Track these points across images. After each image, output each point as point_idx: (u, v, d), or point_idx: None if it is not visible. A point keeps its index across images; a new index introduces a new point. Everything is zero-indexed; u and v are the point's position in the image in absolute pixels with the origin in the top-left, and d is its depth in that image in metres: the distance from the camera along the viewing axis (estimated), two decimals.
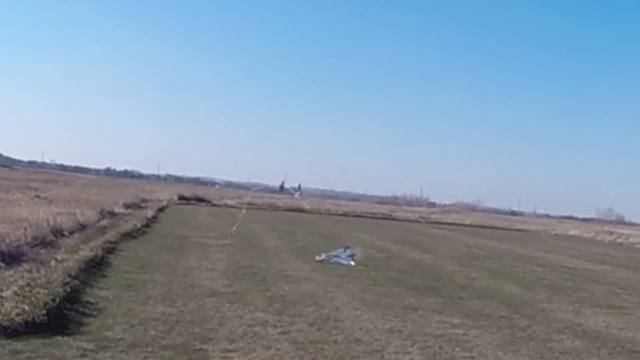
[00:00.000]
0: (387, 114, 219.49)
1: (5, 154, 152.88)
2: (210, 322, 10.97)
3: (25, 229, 18.29)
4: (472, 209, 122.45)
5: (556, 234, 62.27)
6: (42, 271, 13.10)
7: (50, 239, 18.93)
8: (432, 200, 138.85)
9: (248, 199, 31.09)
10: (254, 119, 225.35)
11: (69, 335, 9.41)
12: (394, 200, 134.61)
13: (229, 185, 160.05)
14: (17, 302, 9.99)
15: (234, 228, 24.97)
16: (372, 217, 63.04)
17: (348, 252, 21.84)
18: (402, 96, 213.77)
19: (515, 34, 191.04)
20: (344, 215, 62.54)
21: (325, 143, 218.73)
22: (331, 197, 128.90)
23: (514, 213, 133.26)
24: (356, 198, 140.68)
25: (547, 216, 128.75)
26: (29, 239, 17.15)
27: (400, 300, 14.92)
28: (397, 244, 32.49)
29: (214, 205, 60.55)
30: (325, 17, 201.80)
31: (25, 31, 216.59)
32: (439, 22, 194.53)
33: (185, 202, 59.48)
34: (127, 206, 37.89)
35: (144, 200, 49.50)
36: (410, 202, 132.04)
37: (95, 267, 15.47)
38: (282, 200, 77.90)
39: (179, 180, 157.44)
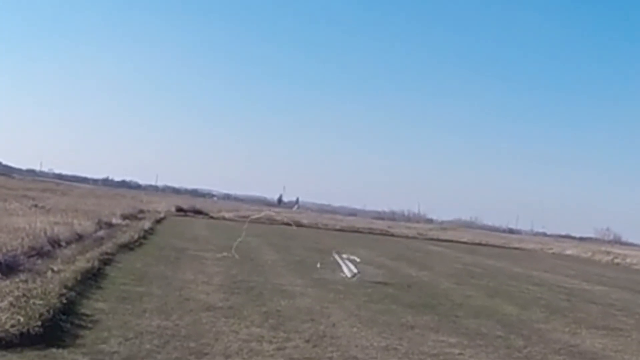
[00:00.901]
0: (386, 129, 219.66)
1: (4, 162, 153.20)
2: (206, 337, 10.95)
3: (23, 238, 18.28)
4: (469, 226, 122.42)
5: (553, 253, 62.20)
6: (38, 282, 13.07)
7: (47, 249, 18.88)
8: (429, 216, 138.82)
9: (261, 215, 29.70)
10: (253, 131, 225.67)
11: (64, 347, 9.39)
12: (392, 216, 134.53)
13: (226, 197, 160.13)
14: (12, 313, 9.97)
15: (235, 244, 24.86)
16: (369, 233, 62.95)
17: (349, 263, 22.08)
18: (402, 111, 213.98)
19: (516, 48, 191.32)
20: (341, 230, 62.46)
21: (324, 157, 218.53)
22: (329, 212, 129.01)
23: (511, 231, 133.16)
24: (354, 213, 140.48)
25: (544, 234, 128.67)
26: (25, 249, 17.12)
27: (396, 317, 14.89)
28: (394, 260, 32.44)
29: (212, 217, 60.49)
30: (324, 30, 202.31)
31: (24, 39, 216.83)
32: (441, 33, 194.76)
33: (182, 214, 59.38)
34: (124, 217, 37.83)
35: (142, 212, 49.39)
36: (408, 218, 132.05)
37: (92, 278, 15.44)
38: (280, 214, 77.98)
39: (176, 191, 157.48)
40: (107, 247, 21.52)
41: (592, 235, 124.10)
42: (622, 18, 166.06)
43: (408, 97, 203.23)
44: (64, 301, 11.74)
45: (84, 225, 26.70)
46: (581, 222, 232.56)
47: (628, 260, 55.09)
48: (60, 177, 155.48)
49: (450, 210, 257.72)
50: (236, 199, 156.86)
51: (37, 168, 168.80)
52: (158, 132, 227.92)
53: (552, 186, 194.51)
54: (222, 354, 9.98)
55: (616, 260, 55.59)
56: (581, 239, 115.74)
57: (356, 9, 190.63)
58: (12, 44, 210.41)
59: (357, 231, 62.73)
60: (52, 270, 14.94)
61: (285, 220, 26.31)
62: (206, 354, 9.90)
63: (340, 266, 22.32)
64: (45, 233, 20.68)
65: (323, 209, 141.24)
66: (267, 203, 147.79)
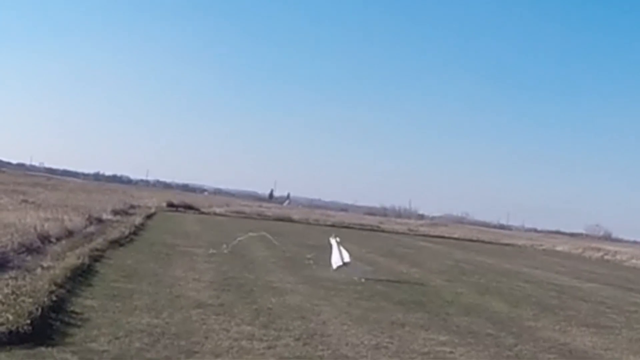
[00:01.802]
0: (377, 125, 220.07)
1: None
2: (196, 335, 10.91)
3: (12, 234, 18.19)
4: (460, 221, 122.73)
5: (544, 249, 62.35)
6: (28, 279, 13.03)
7: (37, 246, 18.83)
8: (420, 212, 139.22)
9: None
10: (244, 127, 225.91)
11: (53, 346, 9.33)
12: (383, 211, 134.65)
13: (217, 192, 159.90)
14: (1, 312, 9.91)
15: (231, 244, 24.78)
16: (360, 229, 62.97)
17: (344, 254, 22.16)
18: (392, 107, 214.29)
19: (509, 45, 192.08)
20: (332, 226, 62.37)
21: (314, 152, 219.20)
22: (320, 207, 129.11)
23: (502, 227, 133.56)
24: (345, 208, 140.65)
25: (535, 230, 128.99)
26: (15, 245, 17.04)
27: (386, 315, 14.88)
28: (384, 256, 32.47)
29: (202, 213, 60.42)
30: (317, 25, 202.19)
31: (15, 34, 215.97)
32: (432, 30, 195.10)
33: (173, 209, 59.32)
34: (115, 212, 37.77)
35: (132, 207, 49.31)
36: (399, 214, 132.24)
37: (82, 275, 15.37)
38: (271, 210, 77.96)
39: (167, 186, 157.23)
40: (98, 243, 21.46)
41: (582, 231, 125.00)
42: (620, 19, 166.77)
43: (400, 94, 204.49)
44: (54, 299, 11.68)
45: (75, 221, 26.60)
46: (572, 219, 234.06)
47: (618, 256, 55.31)
48: (51, 171, 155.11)
49: (442, 206, 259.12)
50: (227, 193, 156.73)
51: (27, 162, 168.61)
52: (149, 127, 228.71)
53: (542, 182, 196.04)
54: (212, 353, 9.94)
55: (606, 257, 55.81)
56: (572, 235, 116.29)
57: (347, 8, 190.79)
58: (1, 40, 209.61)
59: (347, 227, 62.71)
60: (42, 267, 14.89)
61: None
62: (196, 352, 9.86)
63: (332, 252, 22.23)
64: (35, 229, 20.59)
65: (314, 204, 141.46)
66: (259, 198, 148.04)
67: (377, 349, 11.38)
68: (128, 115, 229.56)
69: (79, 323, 10.85)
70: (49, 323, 10.38)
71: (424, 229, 75.20)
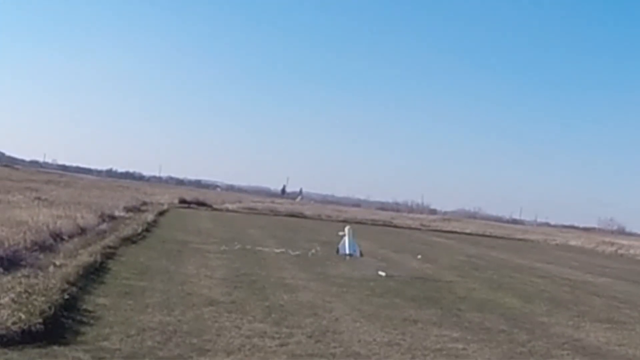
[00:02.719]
0: (390, 120, 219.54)
1: (7, 153, 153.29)
2: (208, 333, 10.91)
3: (25, 232, 18.24)
4: (473, 216, 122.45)
5: (557, 244, 62.08)
6: (40, 277, 13.06)
7: (49, 243, 18.88)
8: (433, 207, 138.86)
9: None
10: (257, 122, 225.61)
11: (65, 344, 9.36)
12: (396, 207, 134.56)
13: (230, 188, 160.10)
14: (13, 310, 9.95)
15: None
16: (372, 224, 62.82)
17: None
18: (405, 102, 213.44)
19: (522, 40, 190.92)
20: (344, 221, 62.25)
21: (327, 148, 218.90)
22: (332, 202, 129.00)
23: (514, 221, 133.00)
24: (357, 204, 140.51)
25: (548, 225, 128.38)
26: (28, 243, 17.09)
27: (399, 311, 14.84)
28: (397, 252, 32.41)
29: (215, 209, 60.48)
30: (330, 21, 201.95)
31: (29, 31, 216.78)
32: (444, 26, 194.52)
33: (186, 205, 59.39)
34: (127, 209, 37.90)
35: (145, 204, 49.46)
36: (411, 209, 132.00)
37: (94, 273, 15.42)
38: (284, 206, 77.94)
39: (180, 182, 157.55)
40: (110, 240, 21.52)
41: (596, 225, 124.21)
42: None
43: (413, 90, 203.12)
44: (66, 297, 11.73)
45: (87, 218, 26.69)
46: (585, 213, 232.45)
47: (632, 251, 54.96)
48: (64, 168, 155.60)
49: (454, 200, 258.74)
50: (240, 189, 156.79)
51: (40, 159, 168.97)
52: (162, 124, 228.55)
53: (555, 176, 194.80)
54: (224, 350, 9.94)
55: (620, 251, 55.46)
56: (585, 229, 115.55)
57: (361, 4, 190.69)
58: (15, 37, 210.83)
59: (359, 222, 62.56)
60: (54, 265, 14.92)
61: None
62: (208, 350, 9.86)
63: (344, 242, 22.85)
64: (47, 227, 20.67)
65: (326, 200, 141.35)
66: (271, 194, 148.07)
67: (389, 346, 11.35)
68: (140, 111, 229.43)
69: (91, 321, 10.88)
70: (61, 321, 10.41)
71: (436, 224, 74.98)
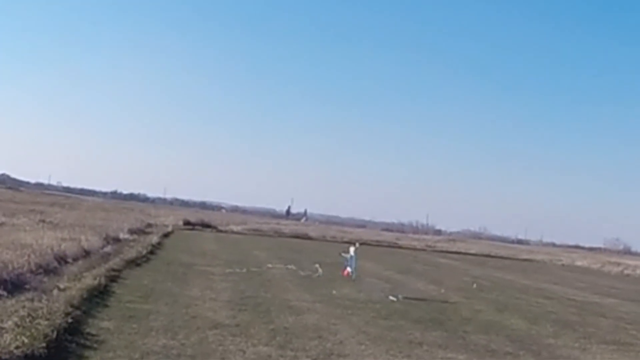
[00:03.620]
0: (395, 141, 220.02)
1: (12, 175, 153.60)
2: (212, 357, 10.86)
3: (29, 255, 18.22)
4: (478, 236, 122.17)
5: (563, 265, 61.85)
6: (44, 301, 13.02)
7: (53, 266, 18.85)
8: (438, 227, 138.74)
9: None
10: (262, 144, 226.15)
11: None
12: (401, 227, 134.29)
13: (235, 209, 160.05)
14: (17, 334, 9.91)
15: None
16: (377, 245, 62.64)
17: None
18: (410, 122, 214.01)
19: (525, 57, 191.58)
20: (348, 242, 62.20)
21: (332, 169, 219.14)
22: (337, 223, 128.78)
23: (520, 241, 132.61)
24: (362, 224, 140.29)
25: (554, 245, 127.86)
26: (32, 266, 17.07)
27: (404, 334, 14.75)
28: (402, 273, 32.28)
29: (220, 231, 60.33)
30: (334, 40, 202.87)
31: (33, 53, 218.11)
32: (452, 45, 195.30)
33: (190, 227, 59.26)
34: (131, 232, 37.81)
35: (149, 225, 49.37)
36: (416, 230, 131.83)
37: (98, 296, 15.37)
38: (288, 227, 77.80)
39: (185, 204, 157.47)
40: (114, 263, 21.48)
41: (601, 245, 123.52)
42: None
43: (417, 109, 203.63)
44: (70, 320, 11.69)
45: (91, 240, 26.65)
46: (590, 232, 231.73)
47: (638, 271, 54.74)
48: (68, 190, 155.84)
49: (459, 221, 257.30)
50: (245, 211, 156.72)
51: (45, 181, 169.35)
52: (167, 145, 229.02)
53: (561, 196, 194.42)
54: None
55: (626, 272, 55.22)
56: (590, 249, 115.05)
57: (364, 20, 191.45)
58: (20, 57, 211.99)
59: (364, 243, 62.38)
60: (58, 288, 14.88)
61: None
62: None
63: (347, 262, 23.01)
64: (52, 249, 20.65)
65: (331, 221, 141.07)
66: (276, 215, 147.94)
67: None
68: (146, 133, 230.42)
69: (95, 345, 10.83)
70: (64, 345, 10.37)
71: (441, 245, 74.79)
